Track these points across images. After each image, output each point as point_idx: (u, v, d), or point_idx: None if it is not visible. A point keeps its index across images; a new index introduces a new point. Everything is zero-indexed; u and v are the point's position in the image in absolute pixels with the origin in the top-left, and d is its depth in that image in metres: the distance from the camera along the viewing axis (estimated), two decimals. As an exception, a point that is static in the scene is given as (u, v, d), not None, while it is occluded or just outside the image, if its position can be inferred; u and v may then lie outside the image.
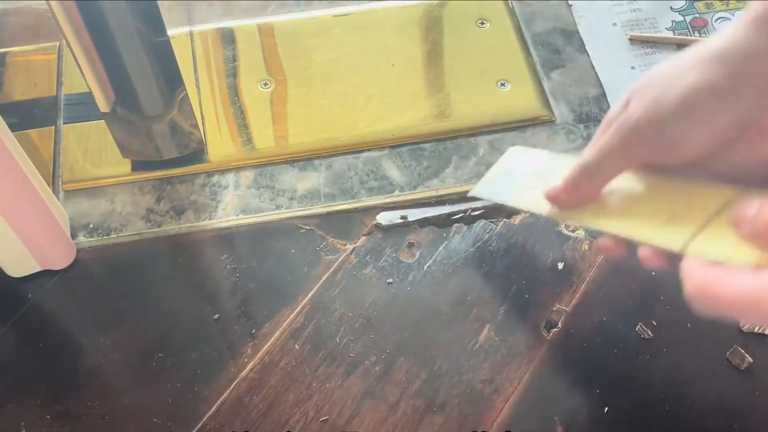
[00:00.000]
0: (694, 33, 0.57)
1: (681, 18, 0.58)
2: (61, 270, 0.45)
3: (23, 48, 0.56)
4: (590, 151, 0.35)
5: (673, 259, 0.31)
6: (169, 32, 0.42)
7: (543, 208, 0.38)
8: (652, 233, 0.33)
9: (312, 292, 0.44)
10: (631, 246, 0.35)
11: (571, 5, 0.58)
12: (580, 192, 0.36)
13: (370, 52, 0.56)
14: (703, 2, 0.58)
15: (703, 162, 0.33)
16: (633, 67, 0.55)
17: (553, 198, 0.37)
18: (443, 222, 0.47)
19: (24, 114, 0.52)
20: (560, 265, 0.45)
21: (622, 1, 0.58)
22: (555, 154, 0.42)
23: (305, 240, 0.47)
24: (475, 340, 0.42)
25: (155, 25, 0.41)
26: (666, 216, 0.33)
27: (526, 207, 0.40)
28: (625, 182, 0.35)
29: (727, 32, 0.31)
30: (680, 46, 0.55)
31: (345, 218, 0.48)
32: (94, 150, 0.50)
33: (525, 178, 0.42)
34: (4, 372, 0.42)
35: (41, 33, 0.57)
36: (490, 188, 0.44)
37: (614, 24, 0.57)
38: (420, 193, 0.48)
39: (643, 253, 0.34)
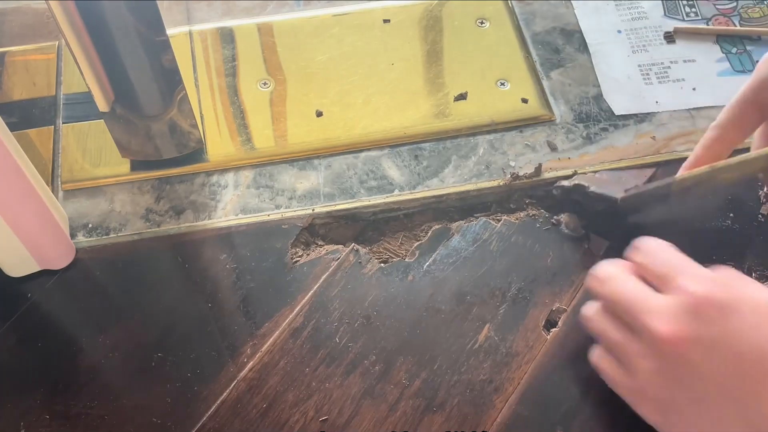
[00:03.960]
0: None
1: None
2: (60, 270, 0.45)
3: (22, 47, 0.56)
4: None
5: None
6: (168, 32, 0.42)
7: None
8: None
9: (311, 291, 0.44)
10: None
11: (572, 3, 0.59)
12: (713, 151, 0.41)
13: (370, 51, 0.56)
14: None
15: None
16: (619, 31, 0.56)
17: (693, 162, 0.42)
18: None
19: (23, 113, 0.52)
20: (560, 265, 0.45)
21: (623, 1, 0.58)
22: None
23: (304, 239, 0.47)
24: (475, 340, 0.42)
25: (154, 25, 0.41)
26: None
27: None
28: None
29: None
30: (720, 36, 0.55)
31: (344, 218, 0.48)
32: (93, 150, 0.50)
33: None
34: (4, 372, 0.42)
35: (40, 32, 0.57)
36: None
37: (619, 32, 0.57)
38: (419, 193, 0.48)
39: None
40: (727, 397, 0.32)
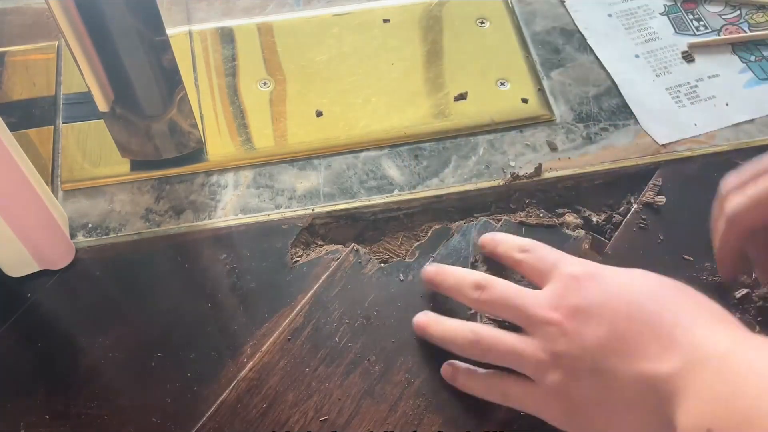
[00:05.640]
0: (687, 15, 0.57)
1: (672, 2, 0.58)
2: (60, 270, 0.45)
3: (22, 47, 0.56)
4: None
5: None
6: (168, 32, 0.42)
7: None
8: None
9: (311, 291, 0.44)
10: None
11: (564, 2, 0.58)
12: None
13: (370, 51, 0.56)
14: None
15: None
16: (637, 56, 0.55)
17: None
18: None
19: (23, 113, 0.52)
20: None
21: (632, 22, 0.58)
22: None
23: (304, 239, 0.47)
24: (475, 340, 0.42)
25: (154, 25, 0.41)
26: None
27: None
28: None
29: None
30: (734, 46, 0.55)
31: (344, 218, 0.48)
32: (93, 149, 0.50)
33: None
34: (3, 372, 0.42)
35: (40, 32, 0.57)
36: None
37: (609, 15, 0.58)
38: (419, 193, 0.48)
39: None
40: (616, 355, 0.33)
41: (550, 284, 0.37)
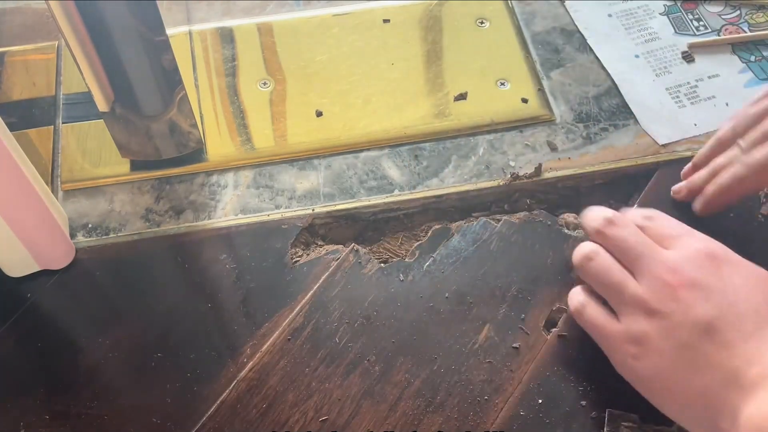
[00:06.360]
0: (687, 15, 0.57)
1: (672, 2, 0.58)
2: (59, 270, 0.45)
3: (22, 47, 0.56)
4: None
5: None
6: (168, 32, 0.42)
7: None
8: None
9: (311, 291, 0.44)
10: None
11: (565, 2, 0.58)
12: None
13: (370, 51, 0.56)
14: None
15: None
16: (637, 56, 0.55)
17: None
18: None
19: (23, 113, 0.52)
20: (560, 265, 0.45)
21: (632, 23, 0.58)
22: None
23: (304, 239, 0.47)
24: (475, 340, 0.42)
25: (154, 25, 0.41)
26: None
27: None
28: None
29: None
30: (734, 46, 0.55)
31: (344, 218, 0.48)
32: (93, 149, 0.50)
33: None
34: (3, 372, 0.42)
35: (40, 32, 0.57)
36: None
37: (609, 15, 0.58)
38: (419, 193, 0.48)
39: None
40: (712, 341, 0.34)
41: (674, 250, 0.38)
